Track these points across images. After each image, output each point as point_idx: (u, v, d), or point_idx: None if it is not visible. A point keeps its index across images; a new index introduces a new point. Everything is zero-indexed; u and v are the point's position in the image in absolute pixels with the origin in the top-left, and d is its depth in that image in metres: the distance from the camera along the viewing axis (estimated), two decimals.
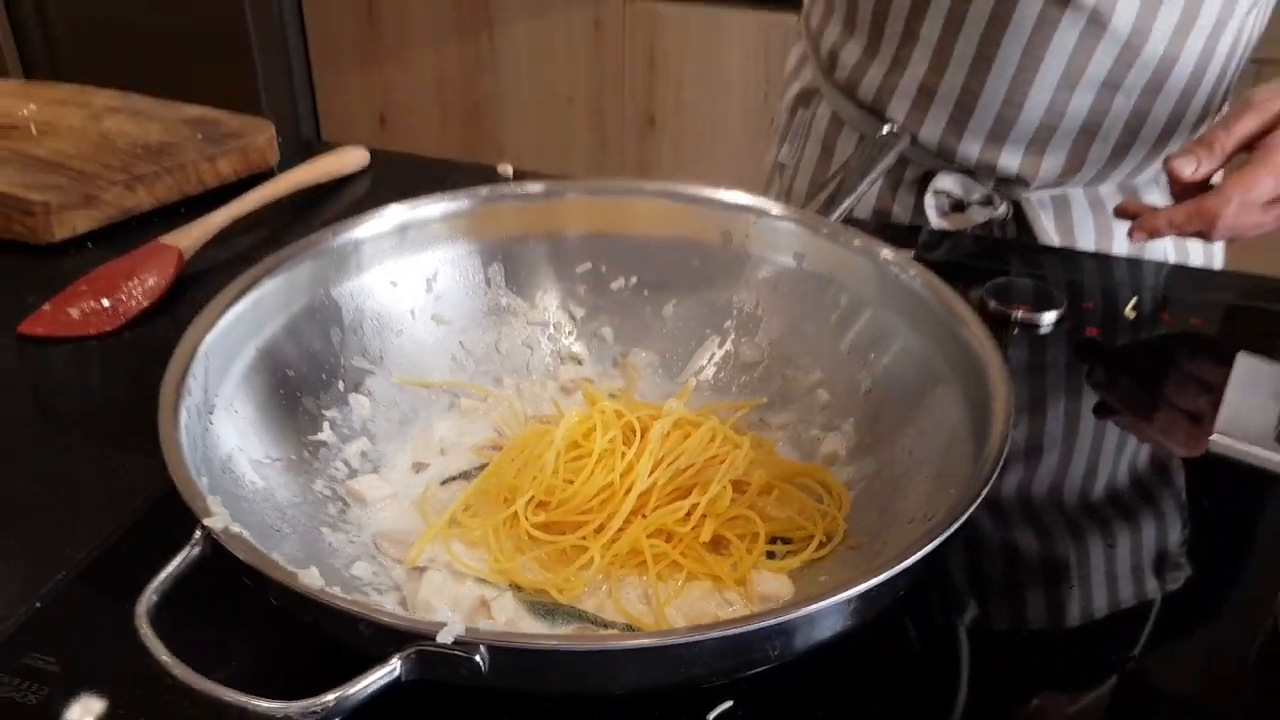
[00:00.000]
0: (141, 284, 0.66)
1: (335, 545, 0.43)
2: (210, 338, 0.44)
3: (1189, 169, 0.63)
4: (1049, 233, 0.78)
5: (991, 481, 0.38)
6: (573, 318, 0.57)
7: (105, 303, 0.64)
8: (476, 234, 0.56)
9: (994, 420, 0.42)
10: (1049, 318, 0.66)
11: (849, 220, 0.61)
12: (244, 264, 0.52)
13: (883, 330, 0.52)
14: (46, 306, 0.64)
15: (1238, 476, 0.51)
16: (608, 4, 1.87)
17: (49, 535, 0.47)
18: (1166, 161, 0.65)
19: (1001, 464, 0.39)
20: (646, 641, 0.34)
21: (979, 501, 0.37)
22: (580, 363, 0.57)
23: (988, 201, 0.79)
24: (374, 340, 0.53)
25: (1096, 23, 0.69)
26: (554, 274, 0.58)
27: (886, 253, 0.53)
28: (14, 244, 0.72)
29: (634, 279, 0.58)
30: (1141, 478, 0.53)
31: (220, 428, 0.42)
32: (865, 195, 0.75)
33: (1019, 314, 0.66)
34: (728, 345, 0.57)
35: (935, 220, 0.79)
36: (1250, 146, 0.64)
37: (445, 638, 0.30)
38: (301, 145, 0.87)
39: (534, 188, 0.58)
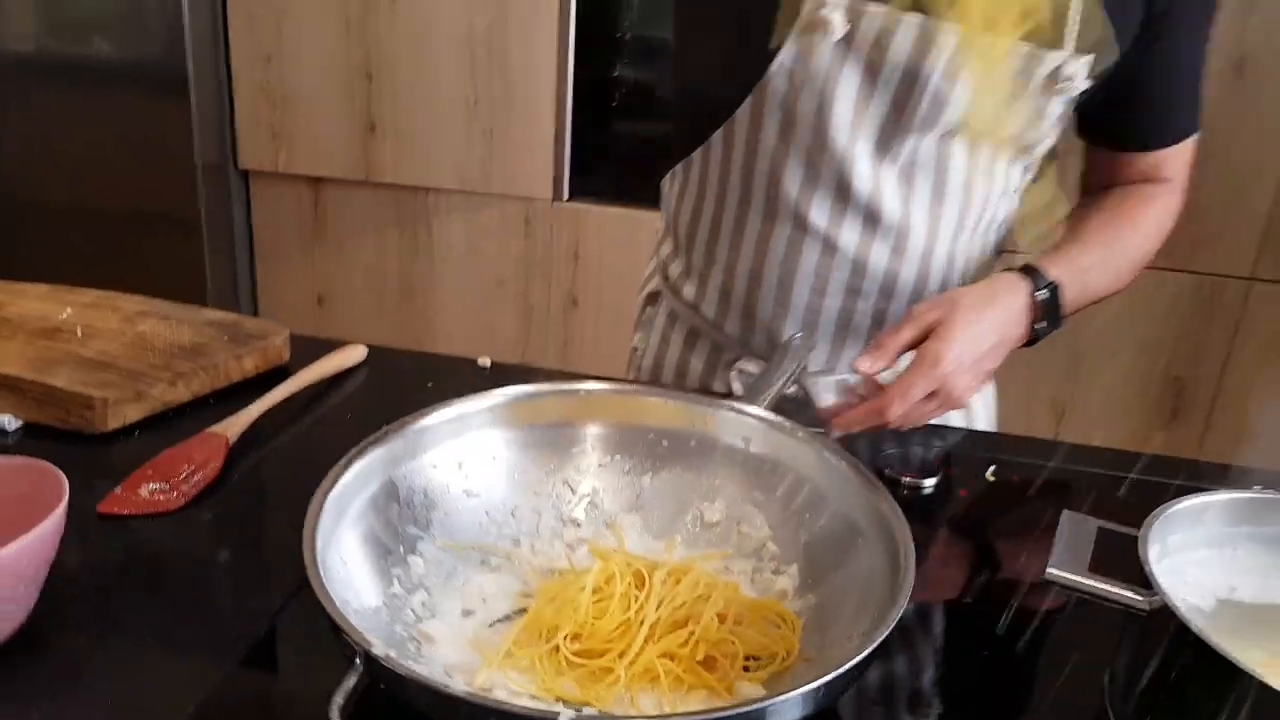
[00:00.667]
0: (200, 468, 0.77)
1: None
2: (325, 516, 0.57)
3: (866, 365, 0.80)
4: (824, 399, 0.95)
5: (903, 608, 0.53)
6: (572, 489, 0.71)
7: (168, 484, 0.76)
8: (496, 424, 0.71)
9: (902, 565, 0.57)
10: (930, 482, 0.83)
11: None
12: (273, 446, 0.64)
13: (817, 497, 0.67)
14: (119, 489, 0.75)
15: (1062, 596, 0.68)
16: (537, 204, 2.09)
17: (163, 685, 0.58)
18: (853, 362, 0.80)
19: (908, 596, 0.55)
20: None
21: (894, 624, 0.52)
22: (579, 525, 0.70)
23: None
24: (422, 512, 0.66)
25: (830, 246, 0.90)
26: (557, 455, 0.72)
27: (819, 440, 0.69)
28: (72, 433, 0.84)
29: (619, 458, 0.73)
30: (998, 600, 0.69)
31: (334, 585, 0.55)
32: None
33: (907, 479, 0.83)
34: (695, 510, 0.71)
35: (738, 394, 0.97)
36: (914, 347, 0.81)
37: (564, 717, 0.43)
38: (312, 343, 1.00)
39: (543, 387, 0.73)
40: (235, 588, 0.70)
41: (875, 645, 0.51)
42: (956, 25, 0.80)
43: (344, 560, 0.57)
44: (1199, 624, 0.50)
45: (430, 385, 0.94)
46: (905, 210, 0.89)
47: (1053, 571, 0.65)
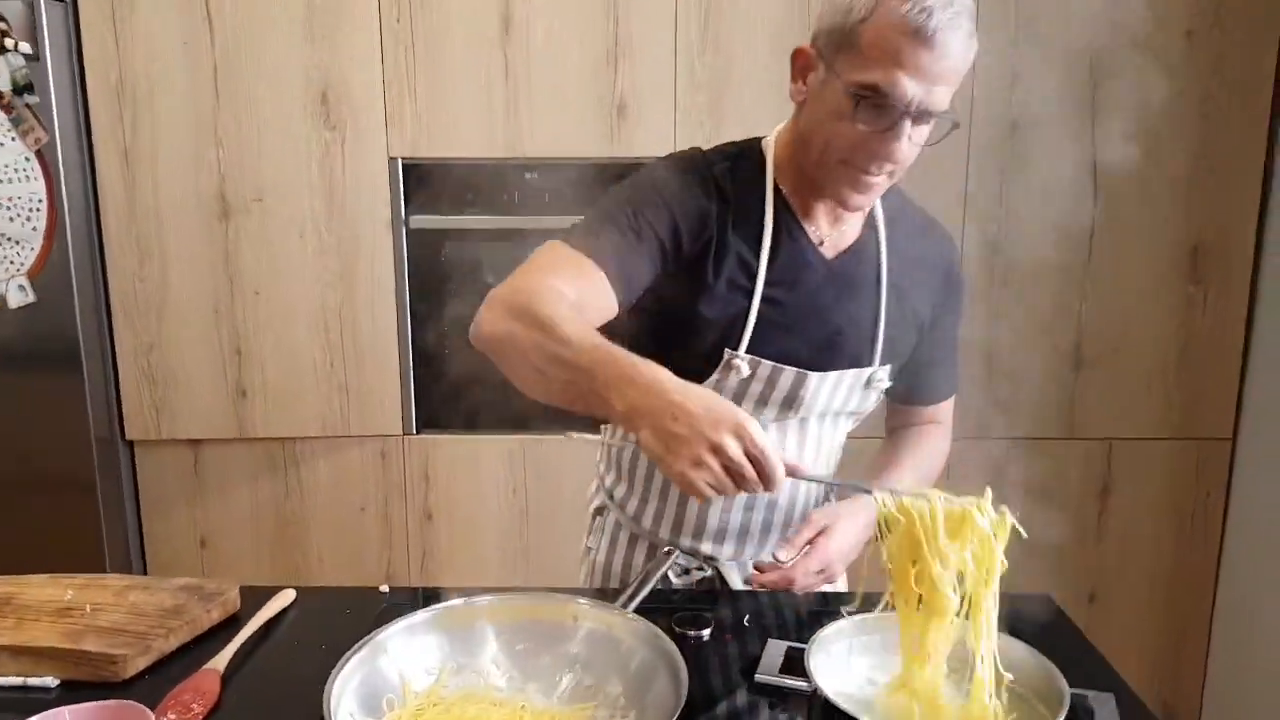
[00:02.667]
0: (205, 696, 1.08)
1: None
2: (334, 701, 0.90)
3: (783, 555, 1.19)
4: (737, 585, 1.34)
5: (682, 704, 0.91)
6: (496, 666, 1.05)
7: (188, 711, 1.05)
8: (434, 629, 1.05)
9: (680, 686, 0.94)
10: (705, 632, 1.22)
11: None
12: (249, 669, 0.93)
13: (647, 664, 1.01)
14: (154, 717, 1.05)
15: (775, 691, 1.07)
16: (391, 439, 2.44)
17: None
18: (774, 551, 1.19)
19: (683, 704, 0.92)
20: None
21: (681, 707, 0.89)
22: (500, 689, 1.03)
23: (700, 569, 1.35)
24: (382, 689, 0.99)
25: None
26: (479, 642, 1.06)
27: (650, 627, 1.03)
28: (101, 683, 1.12)
29: (521, 645, 1.06)
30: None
31: None
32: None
33: (690, 631, 1.21)
34: (573, 674, 1.03)
35: (674, 579, 1.34)
36: (811, 543, 1.20)
37: None
38: (255, 591, 1.31)
39: (457, 602, 1.08)
40: None
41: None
42: (821, 372, 1.22)
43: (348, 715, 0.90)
44: (828, 694, 0.89)
45: (348, 611, 1.26)
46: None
47: (760, 676, 1.04)
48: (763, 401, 1.25)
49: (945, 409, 1.44)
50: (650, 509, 1.36)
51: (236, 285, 2.35)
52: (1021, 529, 0.93)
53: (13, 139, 2.17)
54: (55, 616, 1.20)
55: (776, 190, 1.22)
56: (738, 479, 0.89)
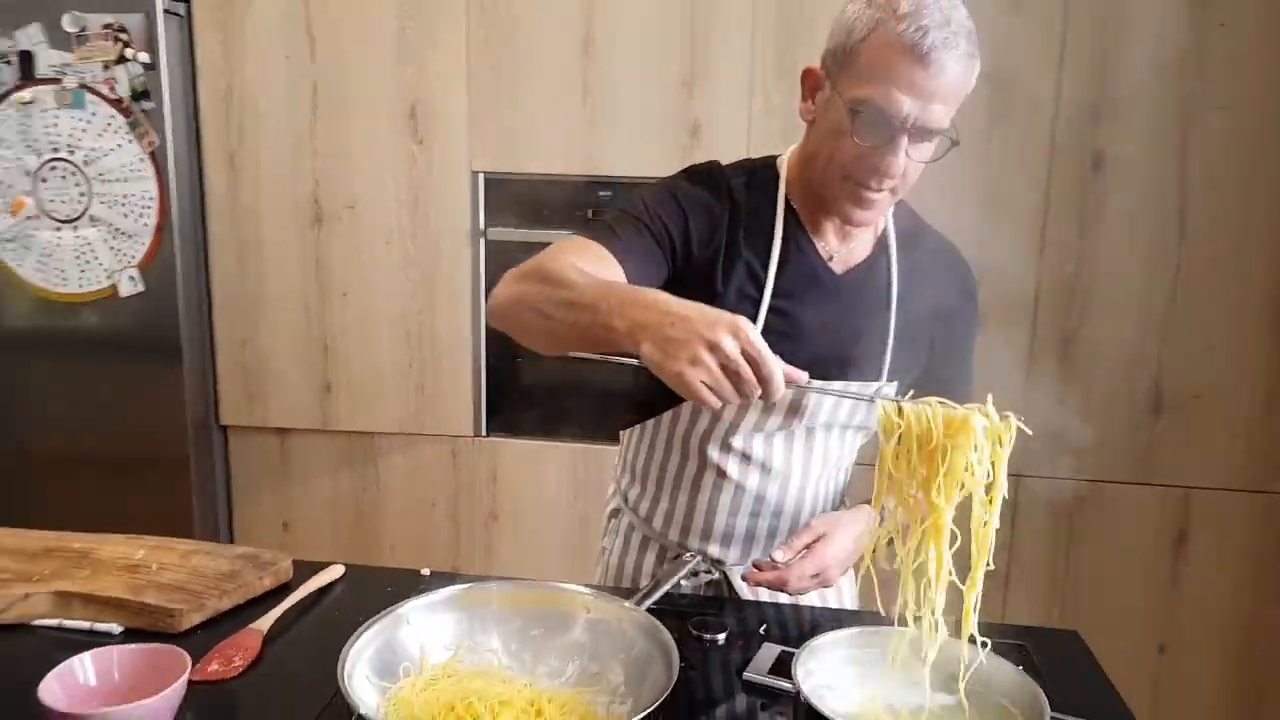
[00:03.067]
0: (246, 651, 1.17)
1: None
2: (349, 662, 0.98)
3: (780, 556, 1.23)
4: (743, 590, 1.36)
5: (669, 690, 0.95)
6: (508, 647, 1.10)
7: (230, 663, 1.15)
8: (453, 608, 1.12)
9: (671, 668, 0.99)
10: (720, 636, 1.25)
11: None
12: (291, 634, 1.02)
13: (645, 654, 1.06)
14: (197, 665, 1.14)
15: (759, 690, 1.10)
16: (462, 440, 2.54)
17: None
18: (771, 552, 1.23)
19: (672, 687, 0.97)
20: None
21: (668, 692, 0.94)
22: (510, 669, 1.08)
23: (709, 572, 1.39)
24: (393, 659, 1.06)
25: (740, 487, 1.31)
26: (495, 625, 1.12)
27: (652, 620, 1.07)
28: (158, 633, 1.22)
29: (534, 629, 1.11)
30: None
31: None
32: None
33: (706, 635, 1.25)
34: (579, 661, 1.08)
35: (683, 583, 1.37)
36: (810, 547, 1.24)
37: None
38: (307, 564, 1.41)
39: (490, 584, 1.15)
40: (275, 713, 1.08)
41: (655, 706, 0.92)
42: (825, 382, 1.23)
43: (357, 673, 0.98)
44: (806, 694, 0.92)
45: (389, 589, 1.34)
46: (787, 463, 1.31)
47: (748, 675, 1.07)
48: (769, 409, 1.28)
49: None
50: (660, 510, 1.40)
51: (325, 287, 2.49)
52: (1026, 428, 0.92)
53: (130, 141, 2.36)
54: (125, 571, 1.31)
55: (788, 205, 1.26)
56: (735, 379, 0.90)
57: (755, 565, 1.25)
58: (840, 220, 1.24)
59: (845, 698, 1.00)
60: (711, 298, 1.22)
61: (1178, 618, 2.48)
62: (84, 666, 0.99)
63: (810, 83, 1.20)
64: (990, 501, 0.93)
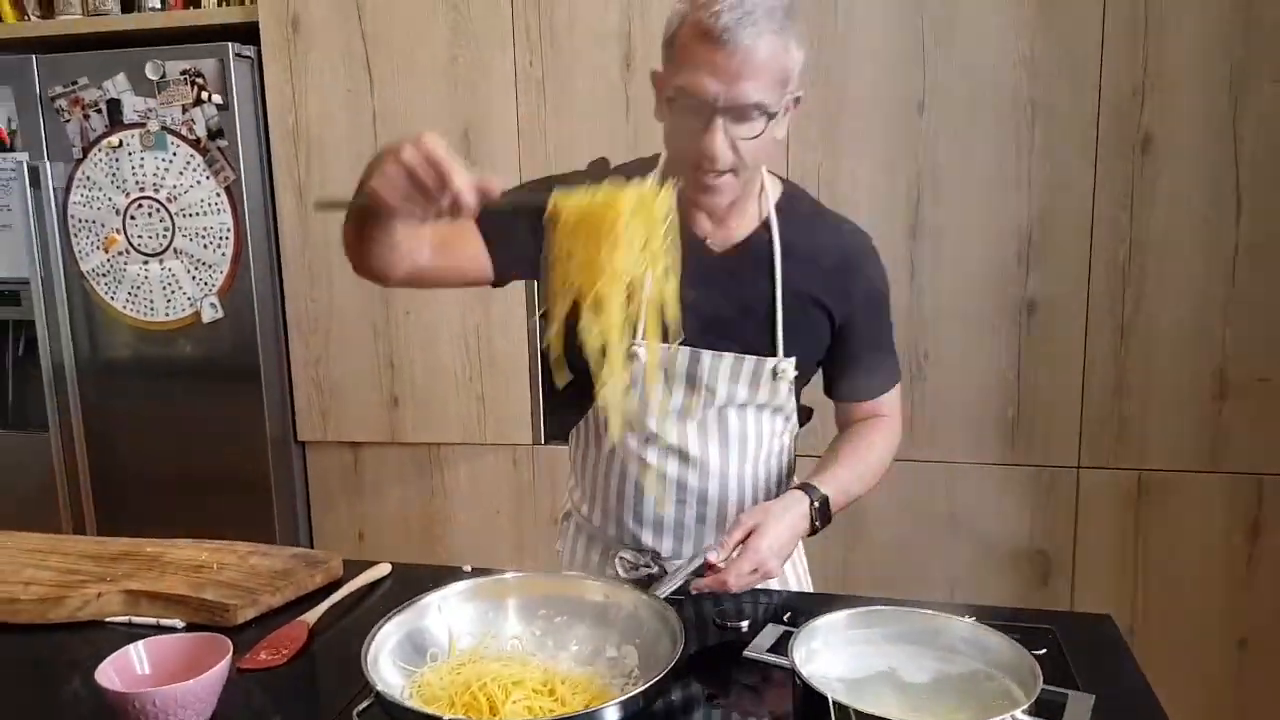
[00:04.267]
0: (293, 642, 1.25)
1: None
2: (373, 648, 1.05)
3: (714, 557, 1.23)
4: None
5: (676, 659, 1.00)
6: (534, 633, 1.16)
7: (278, 652, 1.23)
8: (477, 597, 1.18)
9: (677, 648, 1.03)
10: (744, 624, 1.28)
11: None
12: (338, 626, 1.10)
13: (655, 635, 1.11)
14: (248, 654, 1.22)
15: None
16: (522, 448, 2.62)
17: None
18: (706, 555, 1.23)
19: (677, 659, 1.01)
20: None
21: (672, 664, 0.98)
22: (533, 654, 1.14)
23: (647, 565, 1.42)
24: (421, 645, 1.13)
25: (661, 475, 1.36)
26: (515, 612, 1.19)
27: (665, 606, 1.12)
28: (209, 626, 1.31)
29: (557, 617, 1.17)
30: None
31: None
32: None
33: (730, 623, 1.27)
34: (596, 647, 1.13)
35: (622, 575, 1.41)
36: (744, 543, 1.23)
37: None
38: (355, 564, 1.49)
39: (507, 575, 1.21)
40: (316, 697, 1.16)
41: (652, 684, 0.97)
42: (714, 351, 1.31)
43: (384, 657, 1.04)
44: (801, 671, 0.95)
45: (431, 585, 1.41)
46: (704, 450, 1.37)
47: (747, 653, 1.08)
48: (668, 382, 1.33)
49: (889, 400, 1.47)
50: (598, 506, 1.46)
51: (391, 307, 2.61)
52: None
53: (206, 178, 2.51)
54: (189, 571, 1.41)
55: None
56: (420, 185, 0.96)
57: (696, 572, 1.25)
58: (699, 207, 1.28)
59: (841, 672, 1.02)
60: None
61: (1258, 611, 2.39)
62: (138, 654, 1.08)
63: (657, 84, 1.26)
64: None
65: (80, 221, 2.61)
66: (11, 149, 2.60)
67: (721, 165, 1.19)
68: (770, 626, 1.11)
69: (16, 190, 2.57)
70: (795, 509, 1.29)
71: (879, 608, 1.06)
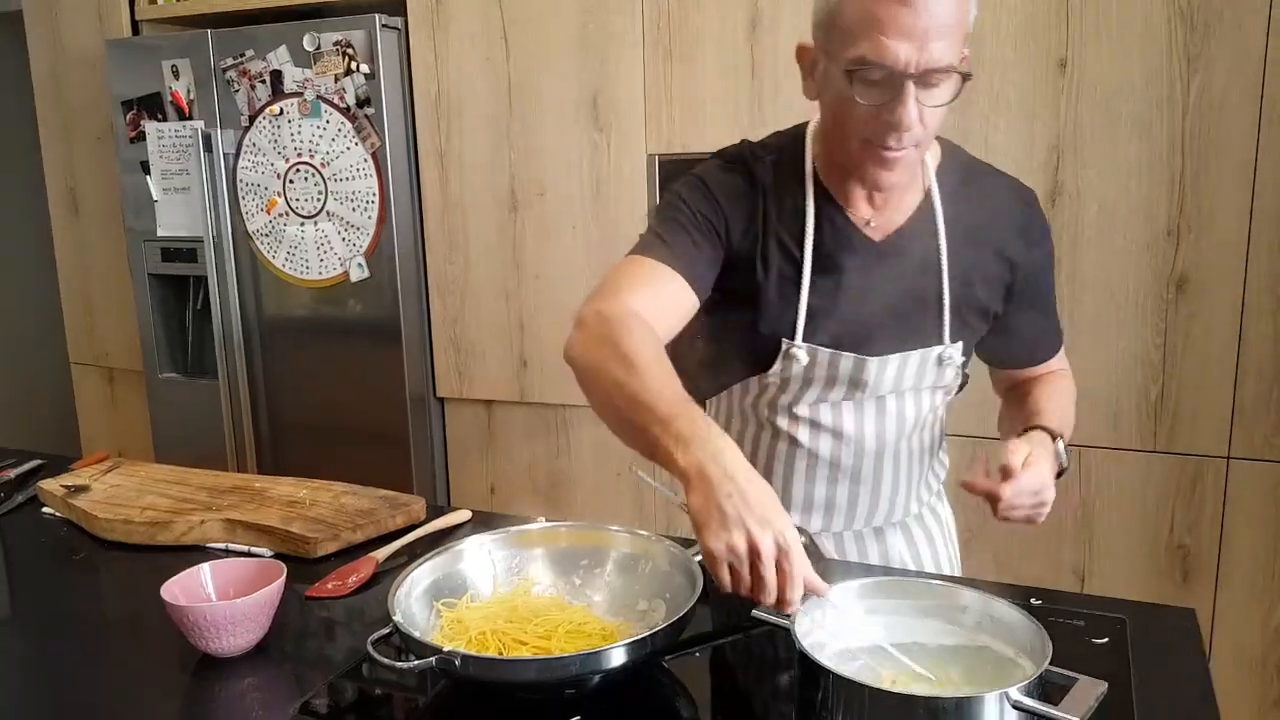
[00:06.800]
0: (360, 575, 1.32)
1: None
2: (403, 590, 1.10)
3: (1014, 459, 1.12)
4: (829, 552, 1.35)
5: (696, 596, 0.99)
6: (574, 583, 1.19)
7: (348, 581, 1.31)
8: (514, 545, 1.22)
9: (696, 588, 1.03)
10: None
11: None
12: (404, 564, 1.17)
13: (683, 590, 1.12)
14: (317, 584, 1.31)
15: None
16: None
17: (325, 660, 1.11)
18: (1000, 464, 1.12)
19: (693, 602, 1.00)
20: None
21: (691, 606, 0.98)
22: (569, 600, 1.17)
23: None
24: (461, 586, 1.17)
25: (813, 455, 1.30)
26: (548, 561, 1.22)
27: (693, 563, 1.12)
28: (294, 557, 1.40)
29: (589, 560, 1.20)
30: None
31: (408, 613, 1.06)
32: None
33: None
34: (627, 599, 1.16)
35: None
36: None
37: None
38: (435, 508, 1.56)
39: (548, 524, 1.24)
40: (363, 628, 1.22)
41: (667, 625, 0.97)
42: (881, 357, 1.22)
43: (419, 595, 1.09)
44: (796, 634, 0.92)
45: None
46: (859, 429, 1.28)
47: (756, 612, 1.00)
48: (829, 384, 1.25)
49: (1058, 359, 1.42)
50: None
51: (521, 270, 2.68)
52: None
53: (355, 144, 2.65)
54: (285, 506, 1.52)
55: (816, 180, 1.23)
56: (756, 580, 0.89)
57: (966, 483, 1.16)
58: (869, 187, 1.20)
59: (847, 639, 0.99)
60: (753, 284, 1.23)
61: None
62: (204, 575, 1.17)
63: (806, 60, 1.16)
64: None
65: (247, 185, 2.81)
66: (190, 118, 2.84)
67: (912, 137, 1.09)
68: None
69: (194, 155, 2.80)
70: (1049, 447, 1.20)
71: (893, 578, 1.02)
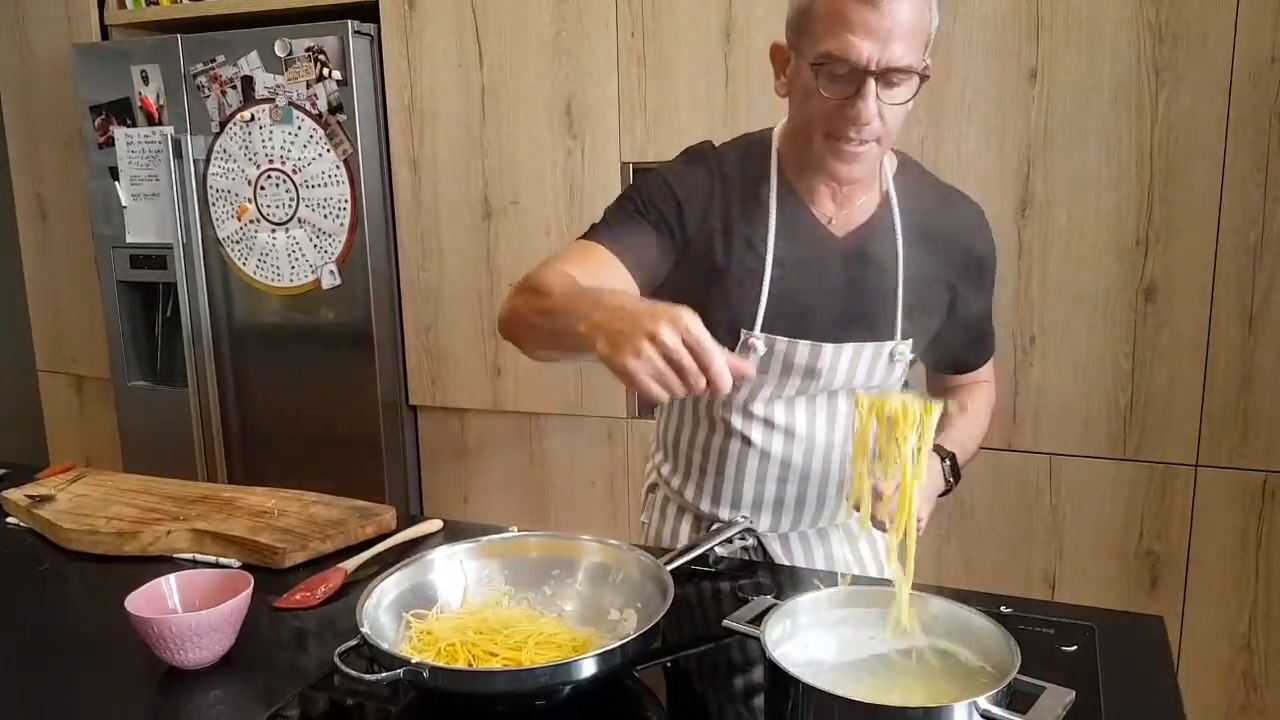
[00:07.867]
0: (329, 585, 1.31)
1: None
2: (371, 601, 1.09)
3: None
4: (778, 555, 1.40)
5: (667, 607, 0.99)
6: (544, 594, 1.19)
7: (316, 592, 1.30)
8: (485, 556, 1.22)
9: (667, 598, 1.03)
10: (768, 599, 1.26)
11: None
12: (374, 575, 1.17)
13: (654, 599, 1.12)
14: (285, 595, 1.30)
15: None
16: (617, 421, 2.64)
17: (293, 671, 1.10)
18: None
19: (664, 612, 1.00)
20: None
21: (661, 616, 0.98)
22: (540, 611, 1.17)
23: (742, 538, 1.39)
24: (431, 596, 1.17)
25: (765, 453, 1.33)
26: (520, 571, 1.21)
27: (668, 575, 1.13)
28: (262, 567, 1.39)
29: (560, 570, 1.20)
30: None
31: (376, 624, 1.06)
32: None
33: (751, 597, 1.26)
34: (599, 609, 1.16)
35: (719, 549, 1.40)
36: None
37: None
38: (408, 518, 1.55)
39: (517, 534, 1.24)
40: (332, 637, 1.21)
41: (640, 634, 0.97)
42: (837, 344, 1.26)
43: (387, 606, 1.09)
44: (766, 642, 0.93)
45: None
46: (810, 427, 1.33)
47: (726, 622, 1.04)
48: (785, 373, 1.28)
49: (986, 368, 1.48)
50: (692, 482, 1.43)
51: (495, 277, 2.68)
52: None
53: (327, 150, 2.64)
54: (253, 516, 1.50)
55: (780, 175, 1.27)
56: (678, 370, 0.89)
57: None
58: (831, 180, 1.23)
59: (816, 649, 0.99)
60: (714, 275, 1.25)
61: None
62: (169, 586, 1.16)
63: (779, 58, 1.22)
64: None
65: (217, 191, 2.79)
66: (160, 123, 2.81)
67: (872, 132, 1.14)
68: (759, 598, 1.09)
69: (164, 161, 2.78)
70: (933, 467, 1.25)
71: (862, 587, 1.02)
